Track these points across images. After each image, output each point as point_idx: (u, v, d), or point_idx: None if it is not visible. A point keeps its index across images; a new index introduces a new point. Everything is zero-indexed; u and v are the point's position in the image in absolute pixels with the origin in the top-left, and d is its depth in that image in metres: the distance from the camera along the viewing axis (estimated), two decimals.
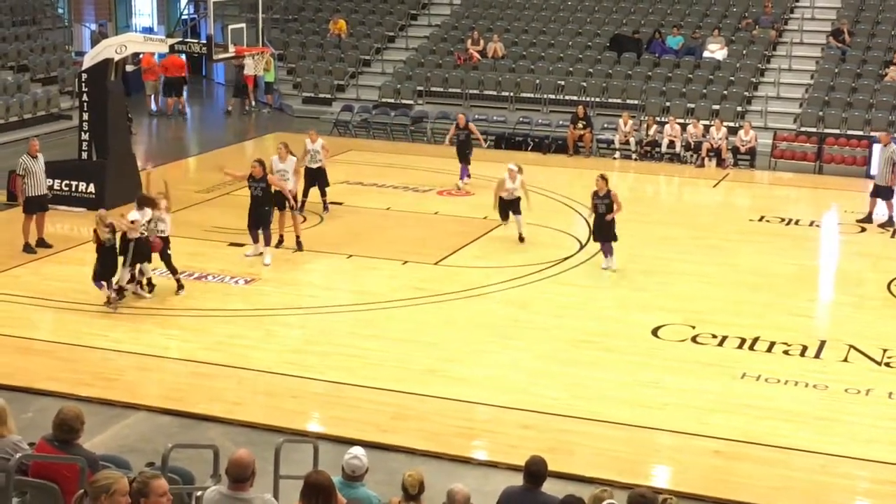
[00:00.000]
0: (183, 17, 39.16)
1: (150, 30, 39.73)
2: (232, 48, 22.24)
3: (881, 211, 21.50)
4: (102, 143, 21.22)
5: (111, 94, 21.46)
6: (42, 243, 18.71)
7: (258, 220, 18.05)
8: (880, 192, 21.59)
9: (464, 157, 23.63)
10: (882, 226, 21.31)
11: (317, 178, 20.95)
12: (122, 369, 14.22)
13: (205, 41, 22.51)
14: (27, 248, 18.48)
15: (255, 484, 7.74)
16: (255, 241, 18.26)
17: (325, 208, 21.08)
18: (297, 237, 18.83)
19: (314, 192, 20.88)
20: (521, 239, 19.40)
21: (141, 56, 31.15)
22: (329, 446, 11.34)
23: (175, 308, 16.16)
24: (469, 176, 23.41)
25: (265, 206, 18.01)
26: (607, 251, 18.11)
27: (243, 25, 23.01)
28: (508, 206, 19.41)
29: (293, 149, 19.87)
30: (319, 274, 18.16)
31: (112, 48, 21.53)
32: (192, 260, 17.99)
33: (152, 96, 32.52)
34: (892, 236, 20.86)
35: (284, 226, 18.97)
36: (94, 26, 36.77)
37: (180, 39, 23.85)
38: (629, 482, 10.60)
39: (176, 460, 9.53)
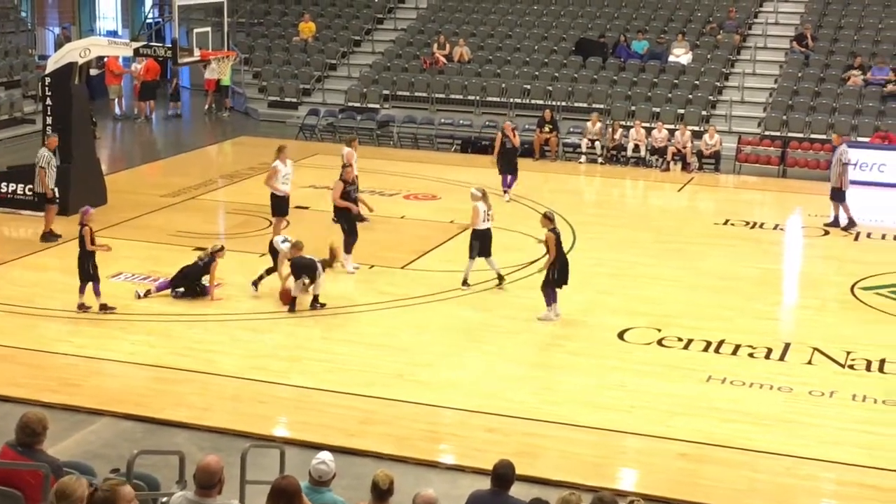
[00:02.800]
0: (147, 20, 38.94)
1: (114, 33, 39.52)
2: (197, 52, 22.13)
3: (843, 213, 21.66)
4: (66, 148, 21.05)
5: (75, 98, 21.31)
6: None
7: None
8: (832, 194, 21.76)
9: (511, 167, 23.47)
10: (828, 225, 21.50)
11: None
12: (87, 375, 14.11)
13: (170, 45, 22.40)
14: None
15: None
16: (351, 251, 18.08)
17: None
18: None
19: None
20: (501, 279, 17.55)
21: (105, 60, 31.00)
22: (296, 451, 11.31)
23: (141, 313, 16.06)
24: (511, 186, 23.38)
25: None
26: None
27: (208, 29, 22.91)
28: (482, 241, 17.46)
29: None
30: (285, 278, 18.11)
31: (76, 52, 21.39)
32: (159, 264, 17.89)
33: (116, 100, 32.35)
34: (856, 239, 21.04)
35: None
36: (57, 30, 36.54)
37: (145, 43, 23.72)
38: (596, 485, 10.63)
39: (141, 466, 9.48)
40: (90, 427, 12.54)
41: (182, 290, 16.67)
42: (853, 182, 24.19)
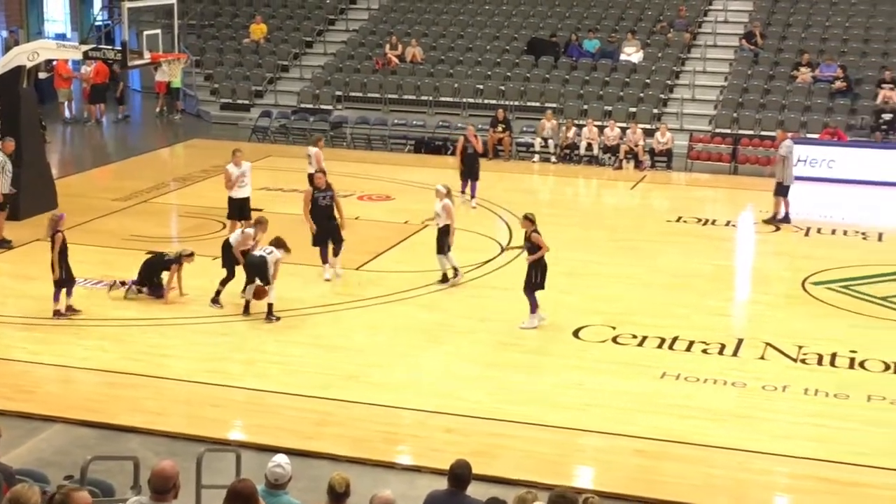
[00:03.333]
0: (97, 23, 38.60)
1: (63, 36, 39.12)
2: (147, 54, 21.97)
3: (790, 209, 21.86)
4: (16, 152, 20.79)
5: (23, 102, 21.08)
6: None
7: (329, 232, 17.65)
8: (779, 189, 21.97)
9: (473, 173, 23.02)
10: (767, 221, 21.73)
11: None
12: (40, 381, 13.99)
13: (119, 47, 22.22)
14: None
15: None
16: (327, 260, 17.75)
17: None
18: None
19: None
20: (445, 279, 17.61)
21: (54, 63, 30.69)
22: (252, 454, 11.26)
23: (94, 318, 15.92)
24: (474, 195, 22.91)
25: (333, 218, 17.70)
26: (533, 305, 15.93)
27: (158, 31, 22.74)
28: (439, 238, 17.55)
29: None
30: (239, 281, 17.97)
31: (24, 55, 21.17)
32: (110, 269, 17.74)
33: (65, 104, 32.06)
34: (806, 235, 21.24)
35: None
36: (5, 33, 36.12)
37: (94, 46, 23.50)
38: (553, 483, 10.64)
39: (95, 472, 9.40)
40: (43, 434, 12.42)
41: (141, 286, 16.61)
42: (804, 178, 24.52)
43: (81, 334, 15.38)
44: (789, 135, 23.00)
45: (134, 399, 13.39)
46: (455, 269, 17.61)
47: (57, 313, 15.81)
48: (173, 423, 12.71)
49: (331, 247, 17.77)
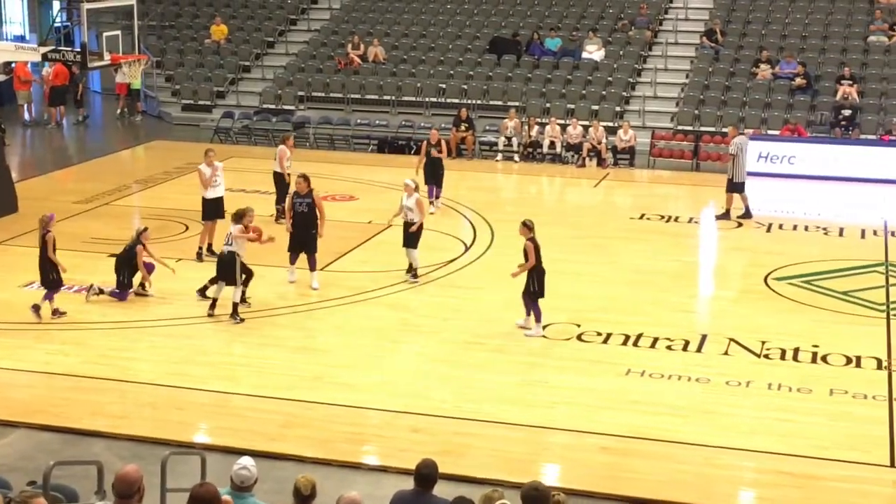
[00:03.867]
0: (56, 24, 38.27)
1: (21, 38, 38.80)
2: (107, 56, 21.80)
3: (749, 203, 21.99)
4: None
5: None
6: None
7: (304, 242, 17.34)
8: (730, 186, 22.06)
9: (435, 177, 22.30)
10: (719, 217, 21.90)
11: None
12: (0, 387, 13.83)
13: (79, 49, 22.04)
14: None
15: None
16: (294, 262, 17.49)
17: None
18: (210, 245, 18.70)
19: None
20: (415, 275, 17.72)
21: (13, 66, 30.40)
22: (217, 457, 11.18)
23: (54, 322, 15.78)
24: (438, 197, 22.36)
25: (311, 227, 17.26)
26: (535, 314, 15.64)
27: (118, 33, 22.58)
28: (405, 234, 17.65)
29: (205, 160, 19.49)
30: (202, 283, 17.89)
31: None
32: (72, 272, 17.54)
33: (25, 106, 31.80)
34: (768, 230, 21.37)
35: (205, 236, 18.75)
36: None
37: (53, 48, 23.30)
38: (520, 481, 10.60)
39: (59, 478, 9.31)
40: (5, 439, 12.30)
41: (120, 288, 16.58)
42: (765, 174, 24.73)
43: (43, 338, 15.24)
44: (749, 132, 23.16)
45: (97, 403, 13.28)
46: (415, 270, 17.72)
47: (56, 312, 15.85)
48: (137, 426, 12.62)
49: (309, 257, 17.37)
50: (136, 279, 16.82)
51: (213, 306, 16.07)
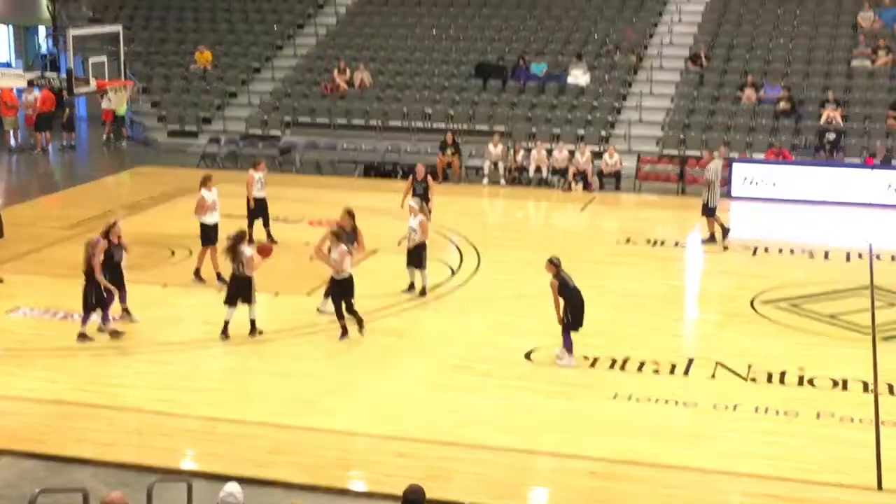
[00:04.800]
0: (41, 50, 38.32)
1: (7, 64, 38.80)
2: (93, 82, 21.82)
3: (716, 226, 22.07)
4: None
5: None
6: None
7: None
8: (705, 210, 22.09)
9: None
10: (705, 241, 21.94)
11: (264, 207, 20.98)
12: None
13: (65, 75, 22.05)
14: None
15: None
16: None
17: (271, 240, 20.85)
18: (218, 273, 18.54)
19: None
20: (424, 292, 18.11)
21: None
22: (203, 484, 11.15)
23: (40, 348, 15.72)
24: None
25: None
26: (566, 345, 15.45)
27: (104, 59, 22.61)
28: (411, 256, 17.98)
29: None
30: (189, 308, 17.87)
31: None
32: (58, 298, 17.55)
33: (11, 132, 31.78)
34: (754, 254, 21.44)
35: (203, 261, 18.68)
36: None
37: (39, 74, 23.31)
38: None
39: None
40: None
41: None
42: (750, 198, 24.85)
43: (27, 364, 15.17)
44: (722, 152, 23.18)
45: (83, 429, 13.22)
46: (424, 289, 18.04)
47: (82, 337, 15.86)
48: (123, 453, 12.56)
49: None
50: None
51: (225, 329, 16.11)
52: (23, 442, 12.80)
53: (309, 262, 17.08)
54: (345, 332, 16.12)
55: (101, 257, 15.81)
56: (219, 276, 18.40)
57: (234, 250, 15.93)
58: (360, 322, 16.20)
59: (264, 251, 16.48)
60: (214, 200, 18.92)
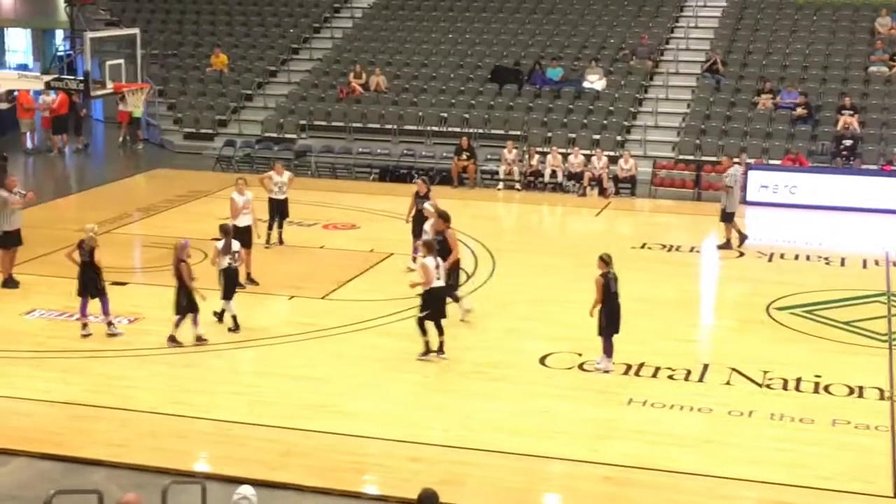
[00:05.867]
0: (59, 53, 38.46)
1: (24, 67, 38.97)
2: (110, 84, 21.88)
3: (756, 233, 22.02)
4: None
5: None
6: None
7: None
8: (724, 216, 22.02)
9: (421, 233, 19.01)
10: (721, 247, 21.85)
11: (282, 209, 21.02)
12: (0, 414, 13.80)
13: (82, 78, 22.11)
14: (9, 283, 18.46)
15: None
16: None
17: (280, 241, 21.16)
18: (248, 273, 18.74)
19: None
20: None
21: (16, 94, 30.52)
22: (217, 486, 11.16)
23: (55, 350, 15.77)
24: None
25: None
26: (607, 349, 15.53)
27: (122, 61, 22.67)
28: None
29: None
30: (203, 311, 17.87)
31: None
32: (74, 300, 17.54)
33: (28, 134, 31.89)
34: (770, 260, 21.37)
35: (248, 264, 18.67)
36: None
37: (56, 76, 23.39)
38: None
39: None
40: (4, 468, 12.26)
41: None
42: (766, 204, 24.78)
43: (43, 366, 15.21)
44: (742, 159, 23.13)
45: (98, 431, 13.25)
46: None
47: (173, 340, 15.93)
48: (138, 455, 12.58)
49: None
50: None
51: (235, 324, 16.47)
52: (38, 443, 12.83)
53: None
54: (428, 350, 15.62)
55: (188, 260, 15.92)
56: (248, 277, 18.49)
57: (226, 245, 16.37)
58: (440, 342, 15.66)
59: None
60: (247, 202, 18.96)
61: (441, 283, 15.59)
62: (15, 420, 13.67)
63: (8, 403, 14.06)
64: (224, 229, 16.81)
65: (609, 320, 15.28)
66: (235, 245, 16.66)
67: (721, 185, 22.52)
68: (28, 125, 31.91)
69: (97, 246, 16.19)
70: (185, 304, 15.89)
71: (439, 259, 15.71)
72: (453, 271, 17.16)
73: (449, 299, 16.85)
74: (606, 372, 15.25)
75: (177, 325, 15.93)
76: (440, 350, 15.59)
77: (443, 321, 15.64)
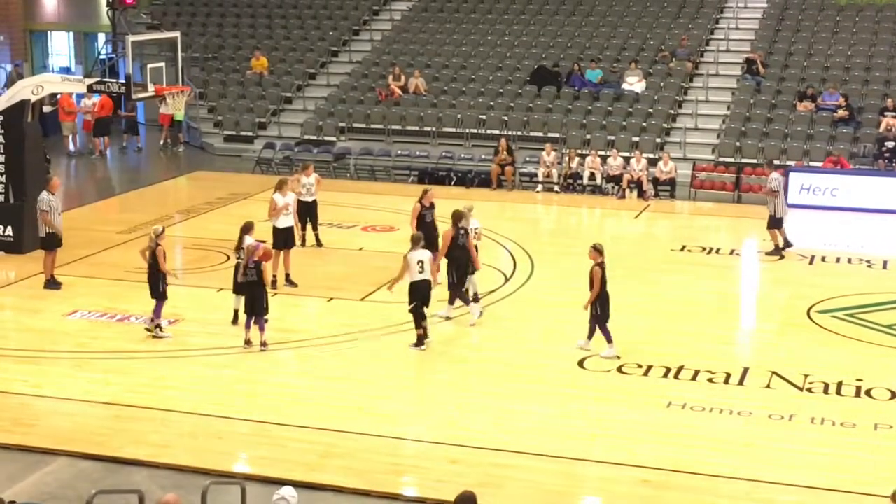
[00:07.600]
0: (101, 56, 38.79)
1: (67, 70, 39.32)
2: (151, 87, 22.06)
3: (797, 237, 21.83)
4: (20, 186, 20.89)
5: (28, 136, 21.14)
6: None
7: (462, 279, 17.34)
8: (772, 221, 21.82)
9: (432, 245, 18.10)
10: (770, 254, 21.63)
11: (311, 211, 21.08)
12: (42, 414, 13.94)
13: (123, 80, 22.30)
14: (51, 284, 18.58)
15: None
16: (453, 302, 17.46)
17: (319, 243, 21.23)
18: (288, 274, 18.86)
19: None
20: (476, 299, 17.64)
21: (58, 97, 30.83)
22: (257, 487, 11.23)
23: (97, 351, 15.91)
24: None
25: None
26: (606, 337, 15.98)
27: (162, 64, 22.83)
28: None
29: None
30: (243, 313, 17.97)
31: (28, 89, 21.23)
32: (115, 301, 17.76)
33: (70, 137, 32.19)
34: (811, 263, 21.22)
35: (278, 265, 18.69)
36: (9, 66, 36.31)
37: (98, 79, 23.59)
38: None
39: None
40: (47, 468, 12.37)
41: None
42: (807, 206, 24.60)
43: (84, 367, 15.35)
44: (777, 168, 22.93)
45: (138, 432, 13.35)
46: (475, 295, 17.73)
47: (248, 343, 15.95)
48: (178, 455, 12.67)
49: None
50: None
51: (235, 318, 16.66)
52: (79, 443, 12.95)
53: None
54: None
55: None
56: (287, 278, 18.57)
57: (239, 241, 16.45)
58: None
59: (265, 256, 16.33)
60: (287, 204, 19.04)
61: (425, 276, 16.02)
62: (57, 420, 13.81)
63: (50, 404, 14.20)
64: (243, 227, 16.71)
65: (603, 309, 15.68)
66: (249, 240, 16.40)
67: (765, 189, 22.28)
68: (70, 128, 32.20)
69: (155, 248, 16.19)
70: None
71: (427, 253, 16.20)
72: (460, 272, 17.38)
73: (460, 302, 17.17)
74: (618, 357, 15.57)
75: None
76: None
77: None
